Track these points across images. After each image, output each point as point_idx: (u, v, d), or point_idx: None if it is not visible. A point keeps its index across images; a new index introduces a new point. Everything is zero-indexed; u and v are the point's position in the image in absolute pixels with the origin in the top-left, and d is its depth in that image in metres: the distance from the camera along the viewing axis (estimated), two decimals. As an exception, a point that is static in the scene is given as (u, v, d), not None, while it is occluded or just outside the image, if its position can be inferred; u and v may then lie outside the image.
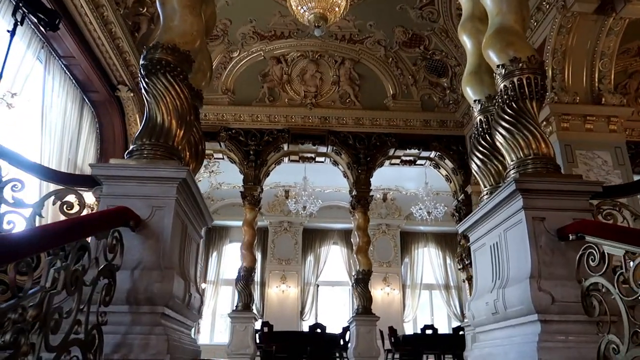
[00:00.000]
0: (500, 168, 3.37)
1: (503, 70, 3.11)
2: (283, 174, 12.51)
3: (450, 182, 10.29)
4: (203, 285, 14.71)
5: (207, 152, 10.22)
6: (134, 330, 2.29)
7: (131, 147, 2.77)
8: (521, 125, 2.96)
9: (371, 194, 9.87)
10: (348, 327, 9.50)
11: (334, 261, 15.48)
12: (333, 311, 14.85)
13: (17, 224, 2.43)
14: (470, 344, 8.74)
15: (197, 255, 3.19)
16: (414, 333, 12.50)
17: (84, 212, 2.62)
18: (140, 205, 2.53)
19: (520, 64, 3.04)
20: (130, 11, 7.80)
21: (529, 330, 2.53)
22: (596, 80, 6.85)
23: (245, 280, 9.10)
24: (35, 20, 5.51)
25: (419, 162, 10.50)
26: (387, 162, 10.35)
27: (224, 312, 13.70)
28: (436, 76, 10.06)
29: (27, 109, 6.90)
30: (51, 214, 5.64)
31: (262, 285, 14.79)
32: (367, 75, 10.21)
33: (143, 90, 2.89)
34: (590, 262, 2.27)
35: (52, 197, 2.58)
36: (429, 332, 10.63)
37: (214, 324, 14.68)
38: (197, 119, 3.38)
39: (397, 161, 10.47)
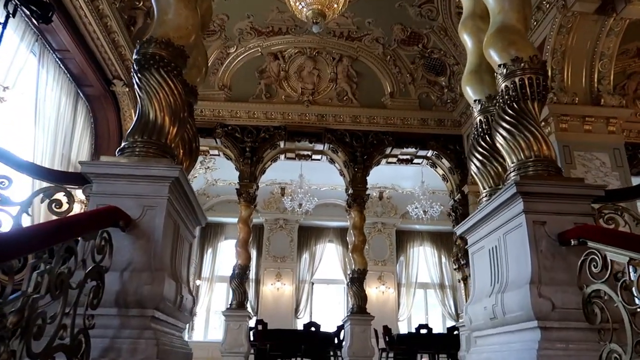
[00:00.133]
0: (500, 170, 3.31)
1: (504, 70, 3.05)
2: (279, 171, 12.43)
3: (447, 181, 10.24)
4: (198, 282, 14.64)
5: (203, 148, 10.20)
6: (122, 334, 2.22)
7: (123, 144, 2.70)
8: (522, 127, 2.90)
9: (367, 192, 9.82)
10: (342, 325, 9.46)
11: (329, 259, 15.44)
12: (328, 309, 14.81)
13: (4, 222, 2.35)
14: (465, 344, 8.72)
15: (190, 255, 3.12)
16: (409, 332, 12.51)
17: (78, 208, 2.56)
18: (131, 204, 2.46)
19: (522, 64, 2.98)
20: (126, 5, 7.69)
21: (528, 337, 2.48)
22: (595, 81, 6.80)
23: (239, 278, 9.04)
24: (28, 13, 5.40)
25: (416, 161, 10.45)
26: (383, 161, 10.29)
27: (218, 308, 13.64)
28: (434, 75, 10.00)
29: (20, 103, 6.80)
30: (43, 213, 5.55)
31: (257, 282, 14.72)
32: (364, 73, 10.14)
33: (136, 86, 2.82)
34: (593, 268, 2.22)
35: (41, 195, 2.51)
36: (423, 331, 10.64)
37: (208, 321, 14.61)
38: (191, 116, 3.30)
39: (394, 160, 10.42)
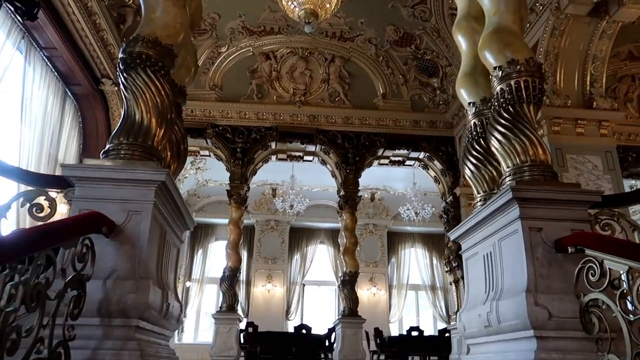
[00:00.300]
0: (495, 174, 3.25)
1: (500, 73, 2.99)
2: (271, 172, 12.35)
3: (439, 183, 10.22)
4: (188, 284, 14.50)
5: (193, 148, 10.09)
6: (105, 345, 2.13)
7: (107, 146, 2.60)
8: (518, 130, 2.84)
9: (359, 194, 9.76)
10: (334, 328, 9.40)
11: (321, 261, 15.38)
12: (319, 311, 14.75)
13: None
14: (456, 347, 8.69)
15: (178, 261, 3.03)
16: (400, 334, 12.48)
17: (65, 209, 2.46)
18: (115, 209, 2.37)
19: (518, 66, 2.93)
20: (116, 2, 7.57)
21: (523, 346, 2.42)
22: (588, 83, 6.80)
23: (230, 281, 8.94)
24: (12, 9, 5.27)
25: (408, 162, 10.42)
26: (375, 162, 10.25)
27: (208, 310, 13.51)
28: (427, 76, 9.97)
29: (6, 102, 6.65)
30: (29, 217, 5.42)
31: (248, 284, 14.62)
32: (357, 74, 10.08)
33: (121, 86, 2.72)
34: (590, 277, 2.16)
35: (21, 199, 2.41)
36: (414, 333, 10.62)
37: (198, 323, 14.48)
38: (179, 117, 3.21)
39: (386, 161, 10.37)
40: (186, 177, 13.49)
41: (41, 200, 2.43)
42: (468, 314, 3.04)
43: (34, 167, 6.77)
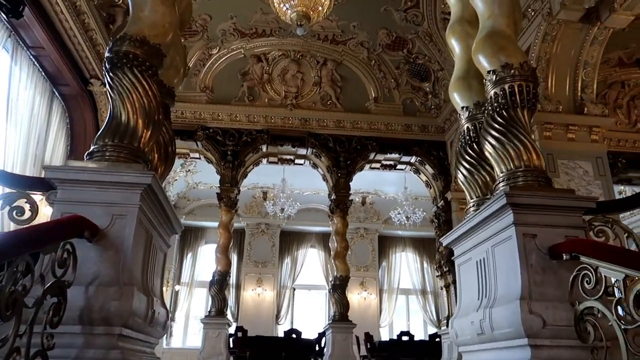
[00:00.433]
0: (488, 179, 3.21)
1: (494, 77, 2.96)
2: (261, 175, 12.28)
3: (430, 187, 10.20)
4: (177, 287, 14.34)
5: (183, 151, 9.99)
6: (86, 354, 2.05)
7: (92, 147, 2.52)
8: (512, 135, 2.81)
9: (350, 198, 9.72)
10: (324, 332, 9.32)
11: (311, 265, 15.29)
12: (309, 315, 14.66)
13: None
14: (447, 352, 8.65)
15: (164, 266, 2.95)
16: (390, 339, 12.41)
17: (49, 212, 2.37)
18: (99, 212, 2.29)
19: (512, 70, 2.90)
20: (105, 2, 7.46)
21: (517, 355, 2.37)
22: (579, 89, 6.82)
23: (219, 285, 8.83)
24: (-2, 7, 5.17)
25: (399, 166, 10.39)
26: (367, 166, 10.21)
27: (198, 314, 13.36)
28: (419, 80, 9.97)
29: (-9, 101, 6.52)
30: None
31: (238, 288, 14.49)
32: (349, 77, 10.05)
33: (107, 86, 2.64)
34: (586, 284, 2.12)
35: (0, 202, 2.33)
36: (405, 338, 10.55)
37: (187, 327, 14.31)
38: (167, 119, 3.13)
39: (378, 165, 10.34)
40: (176, 179, 13.37)
41: (22, 203, 2.35)
42: (460, 321, 2.99)
43: (19, 169, 6.63)
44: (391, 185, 13.34)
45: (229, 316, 11.00)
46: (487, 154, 2.95)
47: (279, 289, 14.66)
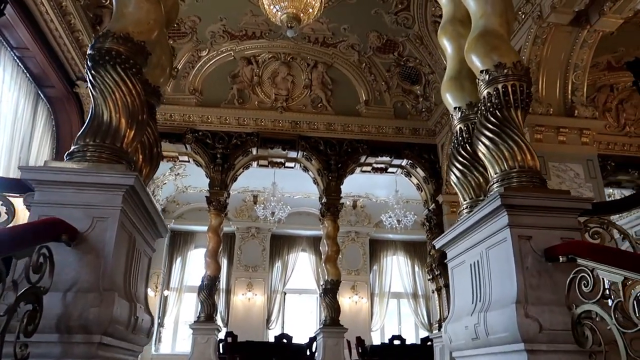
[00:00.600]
0: (482, 180, 3.16)
1: (487, 77, 2.91)
2: (251, 179, 12.17)
3: (421, 190, 10.17)
4: (166, 293, 14.15)
5: (172, 154, 9.86)
6: (63, 364, 1.95)
7: (72, 147, 2.42)
8: (506, 135, 2.75)
9: (341, 201, 9.65)
10: (315, 337, 9.23)
11: (302, 269, 15.19)
12: (300, 319, 14.54)
13: None
14: (439, 355, 8.59)
15: (149, 271, 2.85)
16: (382, 343, 12.34)
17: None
18: (78, 215, 2.19)
19: (505, 70, 2.84)
20: (92, 3, 7.36)
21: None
22: (569, 92, 6.82)
23: (208, 290, 8.70)
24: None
25: (390, 169, 10.35)
26: (358, 169, 10.15)
27: (187, 320, 13.18)
28: (409, 83, 9.94)
29: (-27, 103, 6.37)
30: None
31: (228, 292, 14.34)
32: (339, 80, 10.00)
33: (89, 84, 2.55)
34: (583, 287, 2.07)
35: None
36: (397, 342, 10.49)
37: (177, 333, 14.12)
38: (152, 119, 3.04)
39: (369, 168, 10.29)
40: (165, 183, 13.22)
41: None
42: (454, 326, 2.92)
43: (2, 172, 6.49)
44: (382, 188, 13.30)
45: (219, 321, 10.86)
46: (480, 154, 2.90)
47: (270, 294, 14.53)
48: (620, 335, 1.87)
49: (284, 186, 12.23)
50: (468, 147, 3.24)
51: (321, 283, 9.58)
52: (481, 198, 3.10)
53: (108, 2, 7.42)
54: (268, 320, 14.22)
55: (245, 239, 14.89)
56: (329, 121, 9.84)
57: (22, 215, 2.33)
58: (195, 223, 14.20)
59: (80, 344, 2.01)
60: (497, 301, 2.50)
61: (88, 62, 2.57)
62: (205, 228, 9.72)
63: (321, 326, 8.88)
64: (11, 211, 2.26)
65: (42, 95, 7.73)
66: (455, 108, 3.45)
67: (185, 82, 9.56)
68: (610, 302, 2.02)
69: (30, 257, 1.79)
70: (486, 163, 2.86)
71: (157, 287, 13.84)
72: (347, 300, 14.37)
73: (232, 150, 9.47)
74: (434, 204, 9.54)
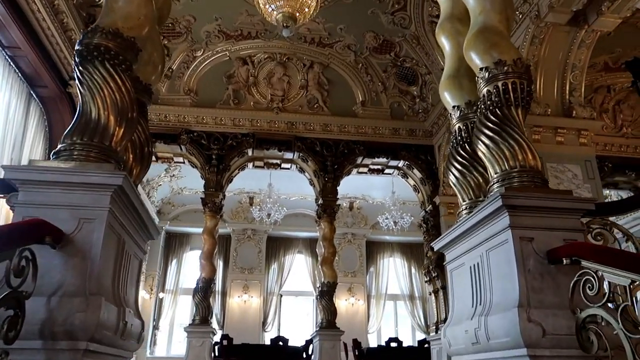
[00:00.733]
0: (481, 180, 3.09)
1: (486, 74, 2.84)
2: (247, 180, 12.07)
3: (418, 192, 10.10)
4: (161, 295, 14.04)
5: (167, 155, 9.77)
6: (47, 372, 1.86)
7: (59, 146, 2.34)
8: (506, 134, 2.68)
9: (338, 202, 9.57)
10: (311, 339, 9.14)
11: (298, 271, 15.10)
12: (296, 322, 14.45)
13: None
14: (436, 358, 8.52)
15: (139, 274, 2.76)
16: (379, 345, 12.26)
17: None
18: (64, 216, 2.10)
19: (506, 67, 2.78)
20: (85, 2, 7.26)
21: (516, 365, 2.23)
22: (567, 92, 6.77)
23: (203, 292, 8.60)
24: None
25: (387, 171, 10.29)
26: (354, 171, 10.08)
27: (183, 322, 13.07)
28: (406, 84, 9.88)
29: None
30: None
31: (223, 295, 14.23)
32: (336, 81, 9.93)
33: (77, 81, 2.47)
34: (588, 290, 1.99)
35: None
36: (393, 344, 10.41)
37: (172, 335, 14.00)
38: (143, 117, 2.95)
39: (365, 170, 10.22)
40: (160, 184, 13.11)
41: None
42: (453, 329, 2.85)
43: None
44: (379, 189, 13.23)
45: (215, 324, 10.76)
46: (480, 154, 2.83)
47: (266, 296, 14.43)
48: (627, 340, 1.80)
49: (280, 187, 12.14)
50: (467, 147, 3.17)
51: (317, 285, 9.51)
52: (481, 199, 3.03)
53: (101, 1, 7.32)
54: (264, 323, 14.12)
55: (241, 241, 14.79)
56: (325, 122, 9.76)
57: (8, 217, 2.25)
58: (191, 225, 14.08)
59: (65, 351, 1.92)
60: (498, 305, 2.42)
61: (76, 58, 2.49)
62: (200, 230, 9.63)
63: (317, 329, 8.80)
64: (-6, 212, 2.17)
65: (34, 95, 7.63)
66: (453, 107, 3.38)
67: (180, 82, 9.47)
68: (611, 305, 1.95)
69: (10, 260, 1.70)
70: (486, 163, 2.79)
71: (152, 290, 13.73)
72: (344, 303, 14.29)
73: (227, 151, 9.39)
74: (430, 206, 9.47)
